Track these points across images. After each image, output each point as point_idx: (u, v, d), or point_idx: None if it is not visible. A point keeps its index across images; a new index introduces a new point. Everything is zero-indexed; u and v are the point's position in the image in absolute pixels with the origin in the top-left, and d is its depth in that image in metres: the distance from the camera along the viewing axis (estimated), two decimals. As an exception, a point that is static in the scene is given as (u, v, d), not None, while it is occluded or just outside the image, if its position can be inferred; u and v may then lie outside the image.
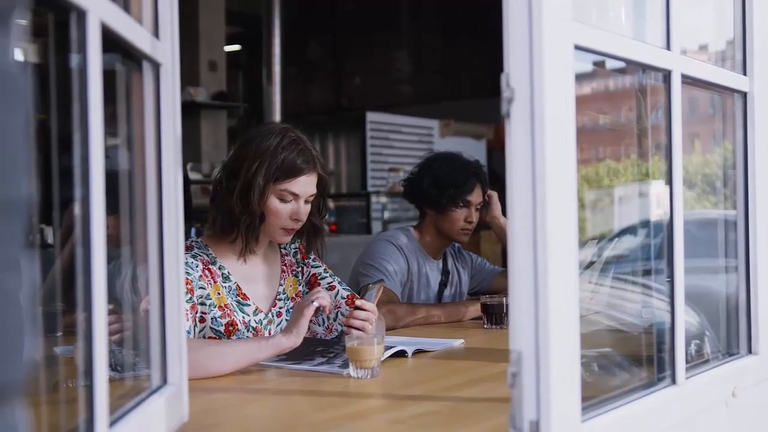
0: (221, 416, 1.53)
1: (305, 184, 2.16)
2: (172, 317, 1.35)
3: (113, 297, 1.14)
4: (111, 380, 1.04)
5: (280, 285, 2.29)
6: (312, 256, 2.37)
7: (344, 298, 2.28)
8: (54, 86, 1.05)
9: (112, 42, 1.09)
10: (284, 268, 2.32)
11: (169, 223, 1.35)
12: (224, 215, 2.15)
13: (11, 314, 0.53)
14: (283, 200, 2.14)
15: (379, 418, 1.53)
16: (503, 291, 2.89)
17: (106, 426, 1.01)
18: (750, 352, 1.75)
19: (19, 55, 0.57)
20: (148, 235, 1.33)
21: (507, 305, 2.57)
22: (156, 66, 1.32)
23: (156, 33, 1.32)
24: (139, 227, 1.34)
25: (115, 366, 1.29)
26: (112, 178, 1.07)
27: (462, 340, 2.30)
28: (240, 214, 2.12)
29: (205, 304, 2.09)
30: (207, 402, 1.61)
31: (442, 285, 3.06)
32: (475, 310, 2.75)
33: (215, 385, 1.78)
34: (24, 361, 0.55)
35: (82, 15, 0.97)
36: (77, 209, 0.99)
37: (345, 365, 1.86)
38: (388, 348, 1.98)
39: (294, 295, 2.31)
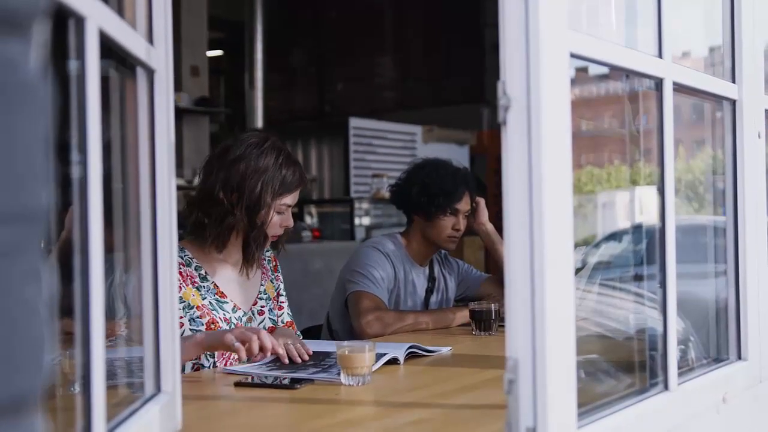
0: (214, 425, 1.52)
1: (297, 195, 2.29)
2: (165, 325, 1.34)
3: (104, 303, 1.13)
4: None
5: (261, 285, 2.37)
6: (278, 271, 2.47)
7: (284, 323, 2.38)
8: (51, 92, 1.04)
9: (106, 47, 1.08)
10: (264, 270, 2.40)
11: (163, 230, 1.34)
12: (226, 231, 2.20)
13: (32, 324, 0.53)
14: (279, 212, 2.25)
15: (374, 425, 1.53)
16: (490, 297, 2.90)
17: (104, 435, 1.00)
18: (739, 357, 1.77)
19: (39, 64, 0.57)
20: (142, 241, 1.32)
21: (495, 312, 2.58)
22: (150, 72, 1.31)
23: (150, 39, 1.31)
24: (131, 233, 1.33)
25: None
26: (104, 184, 1.06)
27: (450, 348, 2.30)
28: (248, 230, 2.21)
29: (180, 308, 2.12)
30: (200, 410, 1.60)
31: (429, 291, 3.06)
32: (462, 316, 2.75)
33: (208, 393, 1.77)
34: (44, 370, 0.55)
35: (80, 21, 0.96)
36: (75, 216, 0.98)
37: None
38: (380, 356, 1.98)
39: (273, 297, 2.39)
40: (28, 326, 0.53)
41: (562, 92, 1.18)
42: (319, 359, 2.07)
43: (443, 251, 3.12)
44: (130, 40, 1.18)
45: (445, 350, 2.28)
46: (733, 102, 1.77)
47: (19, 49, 0.54)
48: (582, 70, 1.46)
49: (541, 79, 1.13)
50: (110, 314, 1.48)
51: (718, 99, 1.78)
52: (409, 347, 2.12)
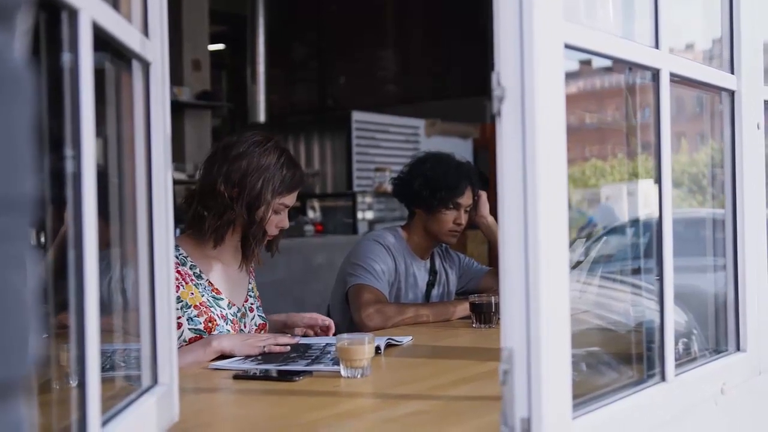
0: (211, 416, 1.53)
1: (295, 197, 2.31)
2: (162, 318, 1.35)
3: (101, 297, 1.13)
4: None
5: (249, 283, 2.40)
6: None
7: (256, 326, 2.37)
8: (42, 85, 1.04)
9: (101, 40, 1.08)
10: (251, 269, 2.43)
11: (159, 224, 1.34)
12: (225, 225, 2.21)
13: (18, 311, 0.53)
14: (276, 212, 2.26)
15: (372, 417, 1.53)
16: (491, 290, 2.90)
17: (99, 426, 1.00)
18: (738, 349, 1.76)
19: (22, 54, 0.57)
20: (138, 235, 1.33)
21: (495, 304, 2.58)
22: (146, 65, 1.31)
23: (145, 31, 1.31)
24: (128, 227, 1.34)
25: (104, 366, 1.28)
26: (100, 178, 1.07)
27: (411, 337, 2.32)
28: (247, 227, 2.22)
29: (177, 308, 2.13)
30: (197, 402, 1.60)
31: (430, 285, 3.06)
32: (463, 309, 2.75)
33: (205, 385, 1.77)
34: (29, 358, 0.56)
35: (73, 14, 0.96)
36: (69, 211, 0.98)
37: (336, 362, 1.85)
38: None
39: (257, 296, 2.43)
40: (14, 312, 0.53)
41: (556, 83, 1.18)
42: (302, 352, 2.08)
43: (444, 244, 3.12)
44: (125, 32, 1.18)
45: (406, 340, 2.31)
46: (732, 93, 1.76)
47: (3, 39, 0.54)
48: (586, 63, 1.46)
49: (535, 70, 1.13)
50: (111, 309, 1.48)
51: (716, 90, 1.77)
52: (387, 344, 2.17)
